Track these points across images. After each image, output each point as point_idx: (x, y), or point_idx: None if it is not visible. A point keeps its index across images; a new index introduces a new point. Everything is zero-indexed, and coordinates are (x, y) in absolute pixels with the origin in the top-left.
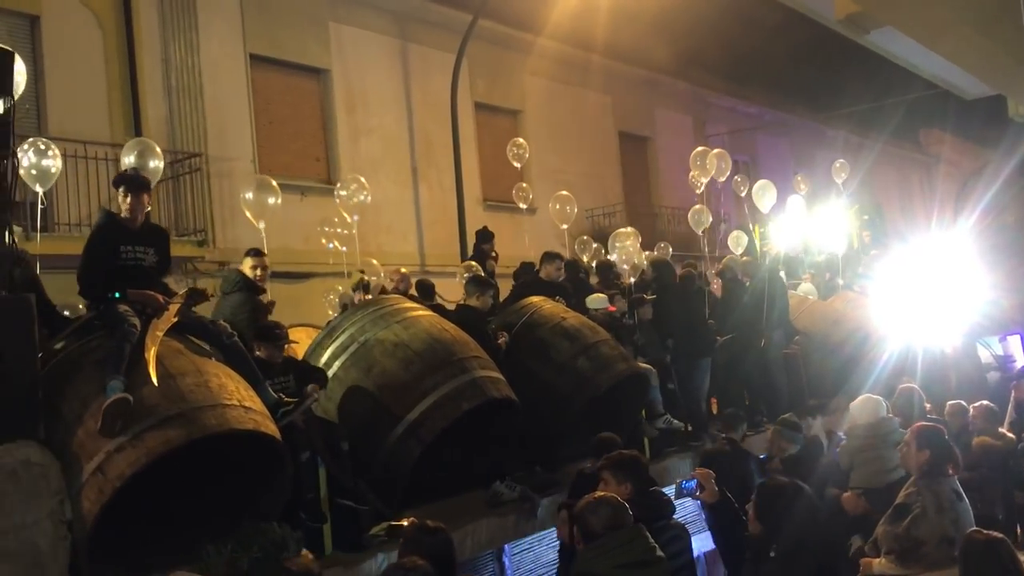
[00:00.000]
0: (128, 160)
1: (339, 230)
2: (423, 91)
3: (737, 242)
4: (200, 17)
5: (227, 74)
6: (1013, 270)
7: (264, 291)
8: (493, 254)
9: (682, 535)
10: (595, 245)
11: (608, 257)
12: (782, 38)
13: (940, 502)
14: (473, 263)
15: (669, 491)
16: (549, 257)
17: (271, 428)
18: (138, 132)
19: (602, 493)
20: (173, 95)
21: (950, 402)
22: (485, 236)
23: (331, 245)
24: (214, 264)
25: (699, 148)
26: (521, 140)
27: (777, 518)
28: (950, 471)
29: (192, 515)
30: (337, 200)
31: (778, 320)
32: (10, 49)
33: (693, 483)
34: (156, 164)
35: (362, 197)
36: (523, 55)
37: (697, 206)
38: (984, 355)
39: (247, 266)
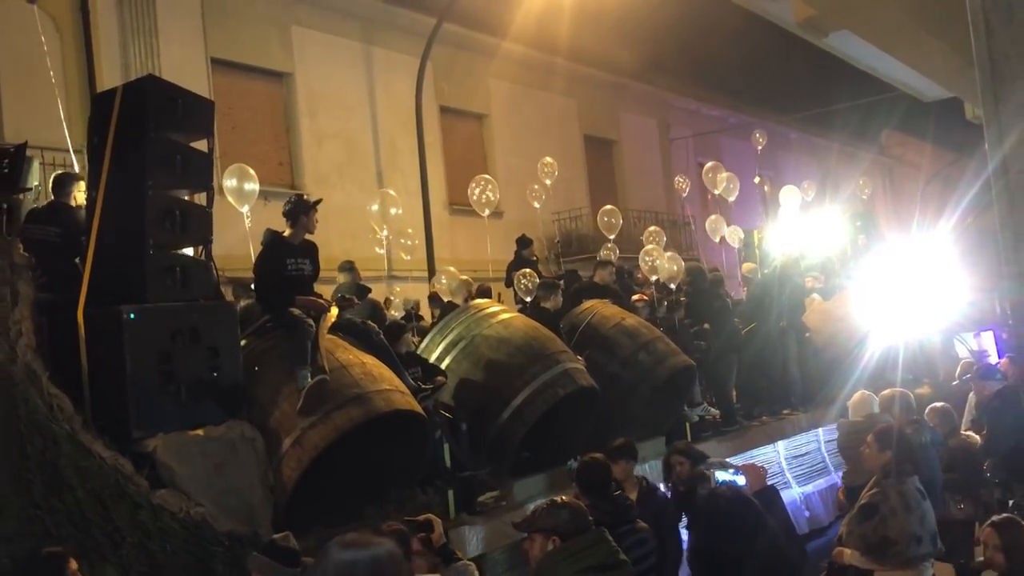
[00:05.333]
0: (230, 184)
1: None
2: (387, 95)
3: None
4: (160, 21)
5: (188, 78)
6: (988, 271)
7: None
8: (534, 258)
9: (646, 540)
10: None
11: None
12: (743, 42)
13: (907, 501)
14: (528, 271)
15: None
16: (603, 264)
17: (420, 409)
18: None
19: (564, 497)
20: None
21: (931, 405)
22: (525, 243)
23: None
24: None
25: (711, 163)
26: (549, 159)
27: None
28: (910, 470)
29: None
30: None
31: (784, 317)
32: (212, 100)
33: (738, 477)
34: (252, 187)
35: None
36: (488, 59)
37: (713, 216)
38: (961, 350)
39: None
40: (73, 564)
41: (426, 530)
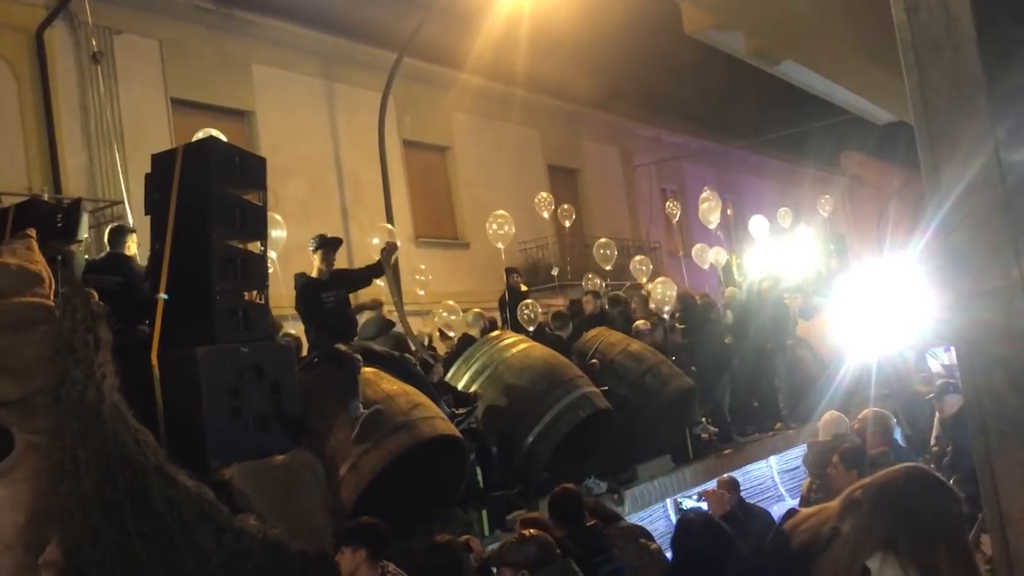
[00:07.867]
0: None
1: None
2: (350, 130)
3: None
4: (119, 62)
5: (148, 119)
6: (960, 290)
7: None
8: (523, 288)
9: (622, 569)
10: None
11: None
12: (702, 70)
13: None
14: (529, 301)
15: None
16: (586, 293)
17: (459, 434)
18: (56, 182)
19: (531, 531)
20: (93, 142)
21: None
22: (511, 273)
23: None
24: None
25: (706, 193)
26: (545, 194)
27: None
28: None
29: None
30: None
31: (769, 339)
32: (263, 157)
33: (701, 504)
34: (280, 233)
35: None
36: (448, 91)
37: (698, 245)
38: (933, 365)
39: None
40: None
41: (468, 550)
